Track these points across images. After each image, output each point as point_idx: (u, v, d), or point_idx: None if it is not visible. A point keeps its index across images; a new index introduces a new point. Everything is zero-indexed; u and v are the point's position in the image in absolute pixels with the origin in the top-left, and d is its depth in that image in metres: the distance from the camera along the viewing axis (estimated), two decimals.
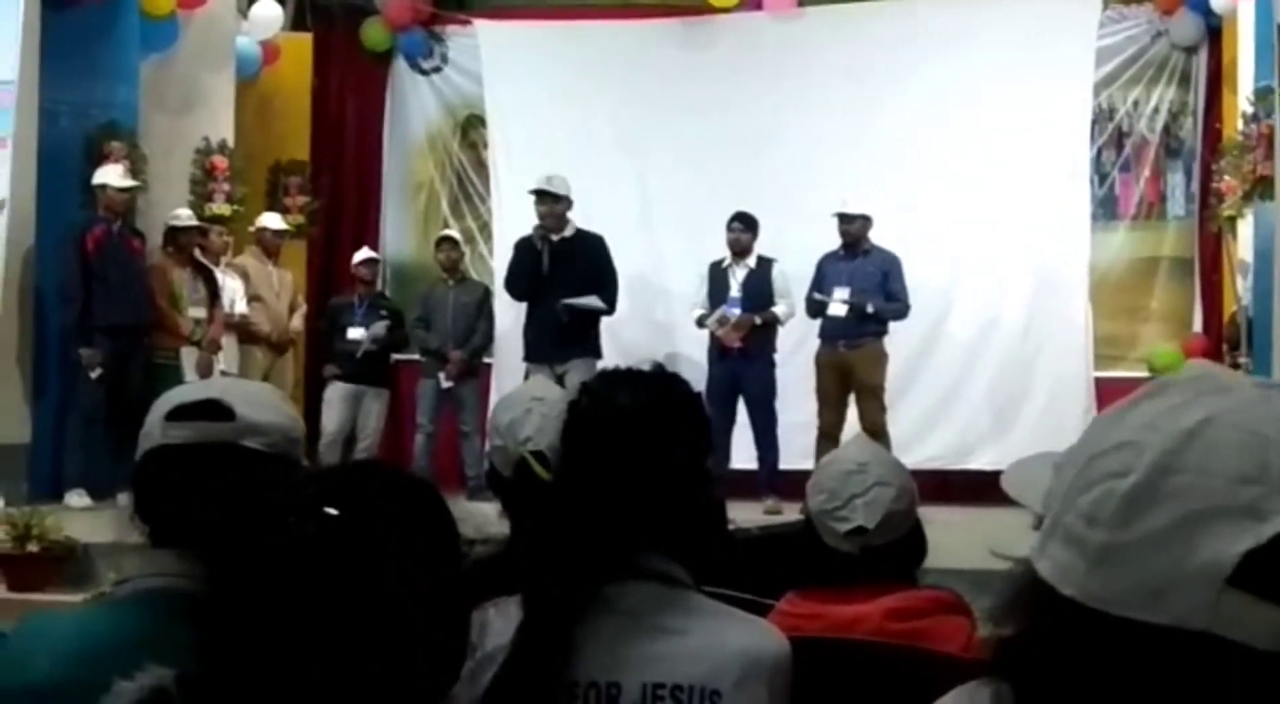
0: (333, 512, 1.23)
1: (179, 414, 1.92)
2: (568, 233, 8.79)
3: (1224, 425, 0.87)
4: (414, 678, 1.25)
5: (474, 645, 1.80)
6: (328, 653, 1.20)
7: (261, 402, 1.98)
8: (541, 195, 8.72)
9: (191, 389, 2.02)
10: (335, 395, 10.07)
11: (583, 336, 8.68)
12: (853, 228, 9.07)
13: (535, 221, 9.01)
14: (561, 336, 8.62)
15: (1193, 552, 0.84)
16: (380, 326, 10.10)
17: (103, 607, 1.97)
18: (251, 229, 10.05)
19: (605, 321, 9.07)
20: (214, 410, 1.91)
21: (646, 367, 2.09)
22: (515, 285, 9.12)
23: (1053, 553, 0.92)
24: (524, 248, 8.94)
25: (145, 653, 1.30)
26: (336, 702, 1.21)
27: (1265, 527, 0.83)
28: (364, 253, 10.44)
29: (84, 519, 7.36)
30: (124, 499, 7.59)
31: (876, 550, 2.55)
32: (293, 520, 1.24)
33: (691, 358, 8.98)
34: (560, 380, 7.59)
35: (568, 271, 8.64)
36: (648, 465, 1.94)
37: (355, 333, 10.09)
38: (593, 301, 8.76)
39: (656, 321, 10.31)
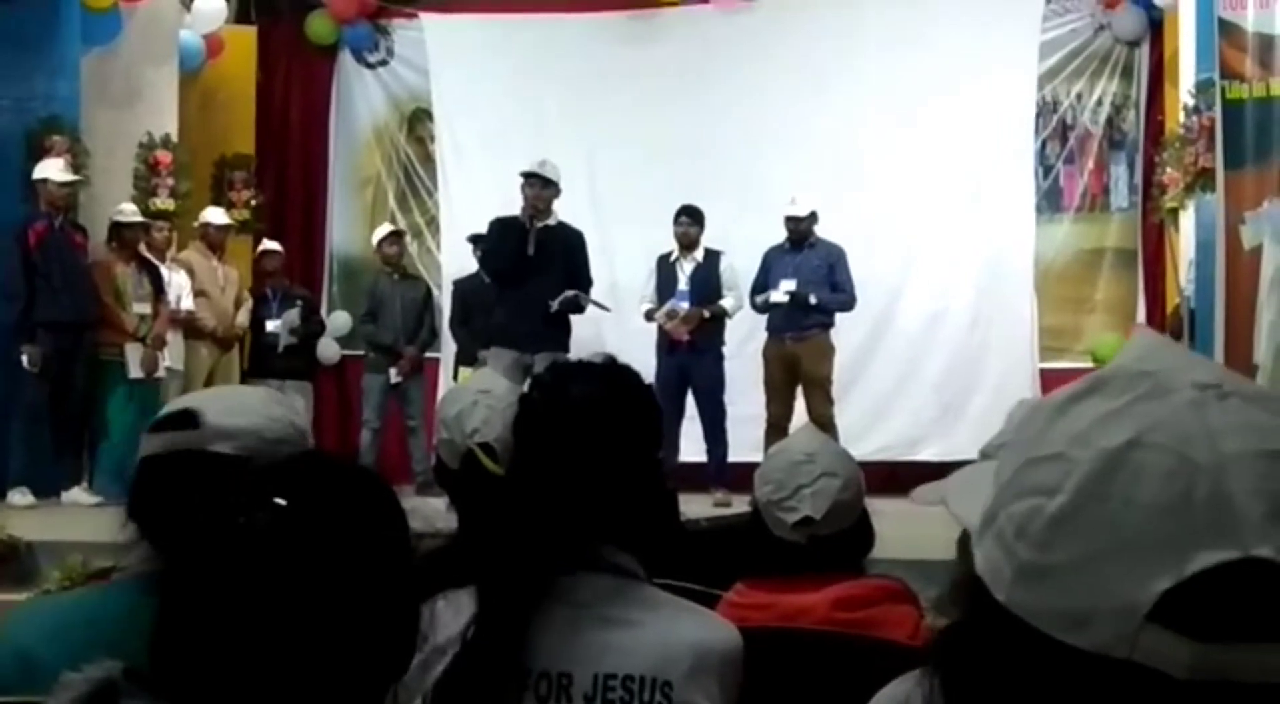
0: (281, 502, 1.23)
1: (156, 426, 2.03)
2: (551, 221, 8.63)
3: (1150, 448, 0.85)
4: (363, 667, 1.25)
5: (424, 637, 1.81)
6: (277, 643, 1.20)
7: (232, 407, 2.04)
8: (531, 178, 8.58)
9: (178, 400, 2.14)
10: None
11: (560, 329, 8.53)
12: (800, 226, 9.12)
13: (481, 215, 8.97)
14: (543, 324, 8.42)
15: (1114, 586, 0.84)
16: (292, 314, 10.03)
17: (103, 588, 2.05)
18: (196, 224, 9.96)
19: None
20: (181, 420, 2.00)
21: (597, 359, 2.09)
22: (495, 261, 8.84)
23: (987, 550, 0.92)
24: (509, 227, 8.67)
25: (136, 632, 1.30)
26: (285, 691, 1.21)
27: (1186, 565, 0.82)
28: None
29: (27, 517, 7.30)
30: (69, 497, 7.58)
31: (824, 540, 2.56)
32: (241, 511, 1.24)
33: (632, 353, 8.95)
34: (527, 370, 7.48)
35: (551, 260, 8.49)
36: (600, 457, 1.94)
37: (272, 326, 10.03)
38: (599, 303, 8.69)
39: (605, 314, 10.29)
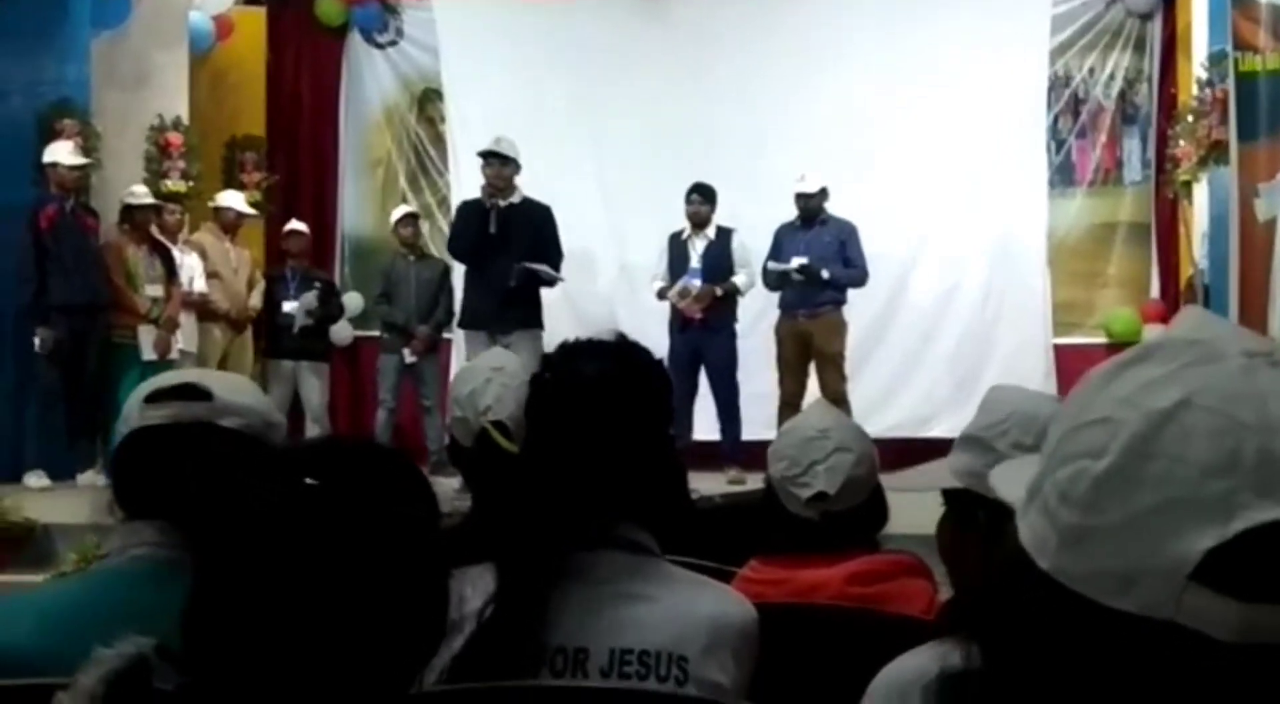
0: (312, 482, 1.24)
1: (157, 397, 1.98)
2: (515, 199, 8.63)
3: (1200, 408, 0.85)
4: (395, 646, 1.25)
5: None
6: (309, 622, 1.21)
7: (237, 386, 2.05)
8: (489, 156, 8.60)
9: (168, 376, 2.09)
10: (271, 373, 10.02)
11: (527, 306, 8.52)
12: (811, 203, 9.11)
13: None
14: (506, 303, 8.42)
15: (1159, 544, 0.83)
16: (310, 297, 10.01)
17: (86, 576, 2.02)
18: (211, 204, 9.96)
19: (565, 294, 9.01)
20: (191, 392, 1.97)
21: (608, 336, 2.09)
22: (460, 246, 8.93)
23: (1032, 520, 0.92)
24: (471, 209, 8.76)
25: (127, 620, 1.31)
26: (318, 670, 1.21)
27: (1231, 523, 0.82)
28: (290, 225, 10.37)
29: (43, 500, 7.33)
30: (83, 479, 7.59)
31: (837, 516, 2.56)
32: (273, 491, 1.25)
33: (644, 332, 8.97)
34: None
35: (514, 237, 8.47)
36: (613, 434, 1.95)
37: (289, 307, 10.03)
38: (549, 270, 8.62)
39: (616, 294, 10.30)
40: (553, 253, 8.70)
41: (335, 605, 1.21)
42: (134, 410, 1.99)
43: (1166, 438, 0.85)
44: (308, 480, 1.24)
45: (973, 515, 2.02)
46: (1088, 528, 0.87)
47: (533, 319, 8.51)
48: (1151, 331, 10.09)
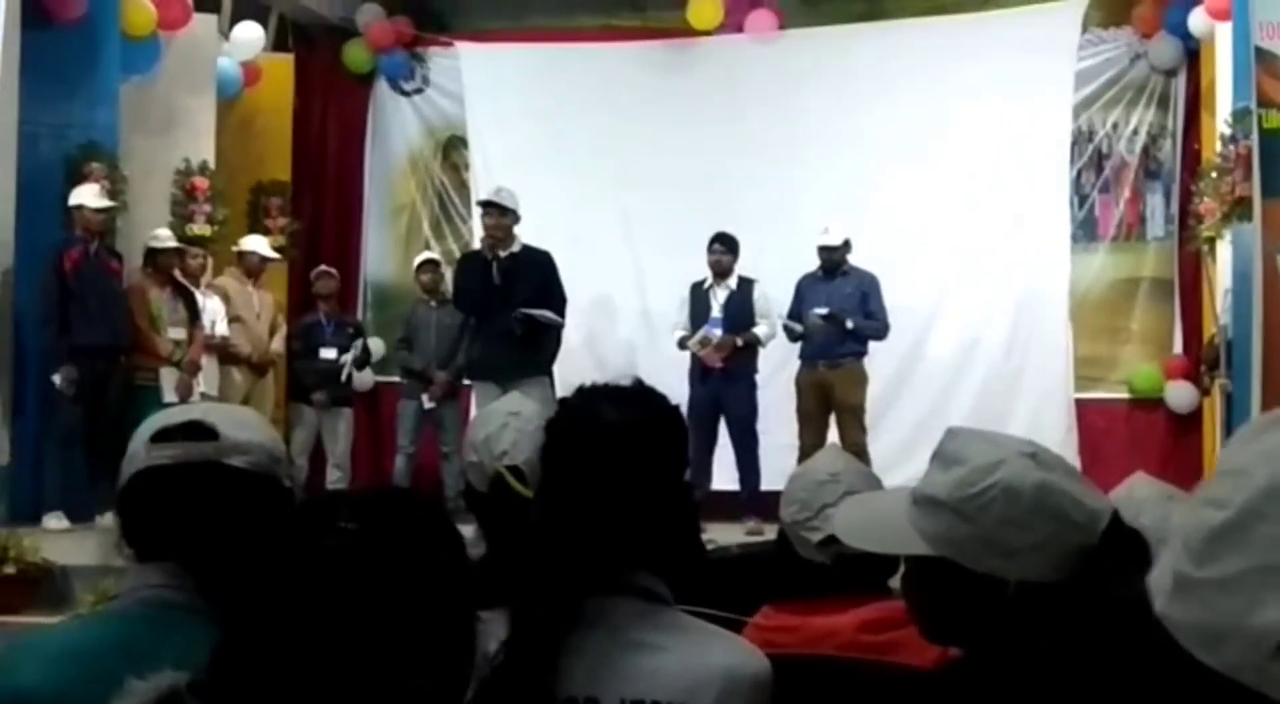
0: (350, 527, 1.26)
1: (163, 436, 1.95)
2: (515, 248, 8.61)
3: None
4: (425, 691, 1.26)
5: None
6: (340, 666, 1.22)
7: (243, 422, 2.01)
8: (488, 206, 8.63)
9: (173, 413, 2.06)
10: (295, 418, 10.05)
11: (535, 354, 8.49)
12: (834, 255, 9.12)
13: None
14: (512, 353, 8.39)
15: (1256, 608, 0.82)
16: (359, 344, 10.15)
17: (94, 618, 2.00)
18: (235, 249, 10.02)
19: (586, 340, 9.00)
20: (198, 431, 1.94)
21: (625, 381, 2.08)
22: (465, 298, 8.91)
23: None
24: (473, 260, 8.79)
25: (135, 661, 1.30)
26: None
27: None
28: (320, 268, 10.43)
29: (62, 541, 7.32)
30: (102, 522, 7.59)
31: (849, 561, 2.52)
32: (311, 535, 1.27)
33: (664, 381, 8.95)
34: None
35: (516, 287, 8.47)
36: (632, 480, 1.93)
37: (328, 353, 10.06)
38: (551, 316, 8.58)
39: (636, 340, 10.30)
40: (555, 299, 8.68)
41: (364, 650, 1.22)
42: (140, 449, 1.97)
43: None
44: (344, 525, 1.26)
45: (954, 584, 1.84)
46: (1194, 579, 0.86)
47: (540, 367, 8.47)
48: (1174, 388, 10.04)
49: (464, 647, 1.31)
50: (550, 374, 8.52)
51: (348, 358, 10.05)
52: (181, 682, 1.24)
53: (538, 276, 8.58)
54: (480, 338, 8.73)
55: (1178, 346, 10.31)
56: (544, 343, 8.61)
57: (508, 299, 8.43)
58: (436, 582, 1.27)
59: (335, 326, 10.20)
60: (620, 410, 1.99)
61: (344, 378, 10.04)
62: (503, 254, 8.53)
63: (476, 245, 10.91)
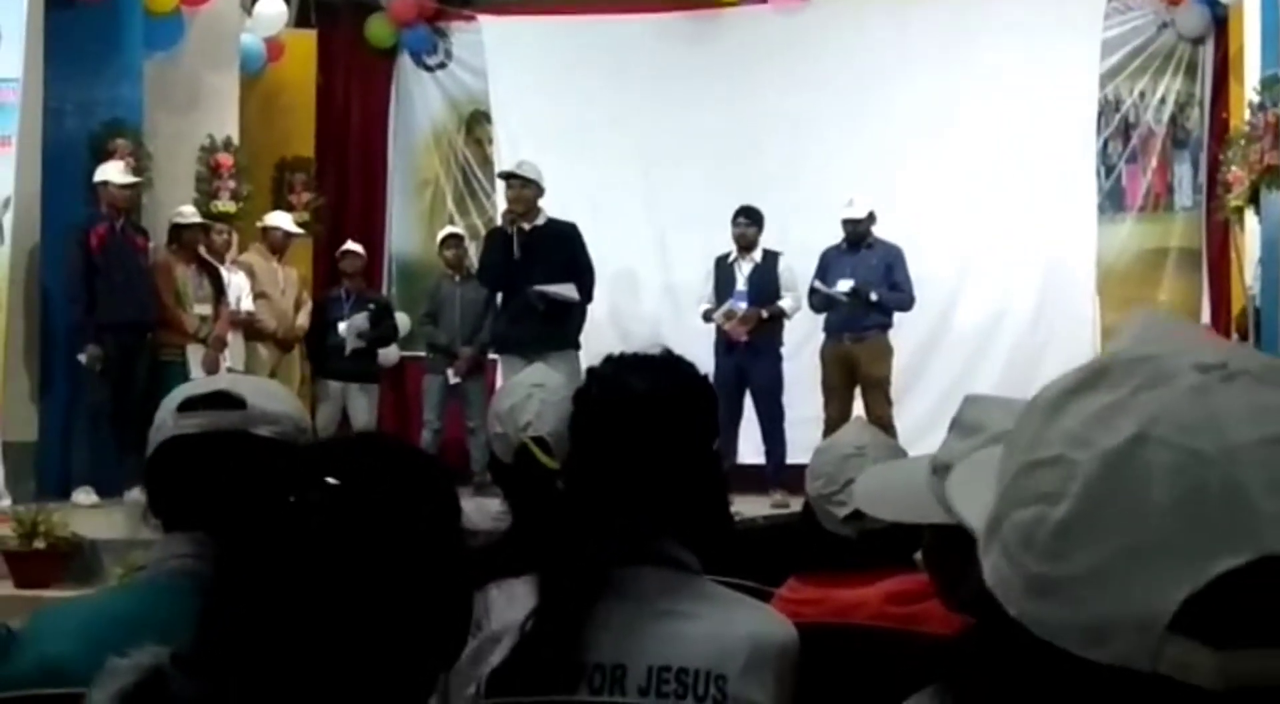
0: (334, 481, 1.21)
1: (190, 405, 1.97)
2: (539, 221, 8.56)
3: (1155, 442, 0.79)
4: (413, 651, 1.22)
5: (477, 625, 1.83)
6: (327, 624, 1.18)
7: (269, 392, 2.04)
8: (509, 178, 8.57)
9: (199, 383, 2.09)
10: (320, 393, 10.06)
11: (560, 328, 8.42)
12: (858, 228, 9.09)
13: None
14: (537, 327, 8.34)
15: (1130, 596, 0.78)
16: (359, 318, 10.04)
17: (121, 589, 2.01)
18: (259, 225, 10.04)
19: (609, 314, 8.99)
20: (224, 400, 1.96)
21: (654, 351, 2.08)
22: (486, 274, 8.91)
23: (995, 561, 0.87)
24: (495, 235, 8.76)
25: (161, 632, 1.29)
26: (335, 674, 1.18)
27: (1204, 570, 0.77)
28: (345, 246, 10.42)
29: (91, 516, 7.38)
30: (131, 496, 7.64)
31: (875, 534, 2.53)
32: (294, 490, 1.22)
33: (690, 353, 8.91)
34: None
35: (540, 260, 8.41)
36: (663, 449, 1.93)
37: (341, 328, 10.07)
38: (566, 290, 8.51)
39: (661, 314, 10.29)
40: (582, 271, 8.62)
41: (352, 608, 1.18)
42: (167, 418, 1.98)
43: (1125, 480, 0.79)
44: (329, 479, 1.21)
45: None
46: (1054, 578, 0.82)
47: (567, 340, 8.43)
48: None
49: (456, 609, 1.27)
50: (578, 346, 8.50)
51: (343, 328, 10.00)
52: (164, 657, 1.22)
53: (561, 250, 8.53)
54: (505, 312, 8.72)
55: (1206, 317, 10.22)
56: (570, 316, 8.58)
57: (528, 273, 8.40)
58: (425, 540, 1.23)
59: (355, 302, 10.18)
60: (650, 379, 2.00)
61: (347, 352, 10.01)
62: (526, 227, 8.50)
63: (500, 219, 10.96)
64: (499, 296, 8.97)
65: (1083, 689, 0.81)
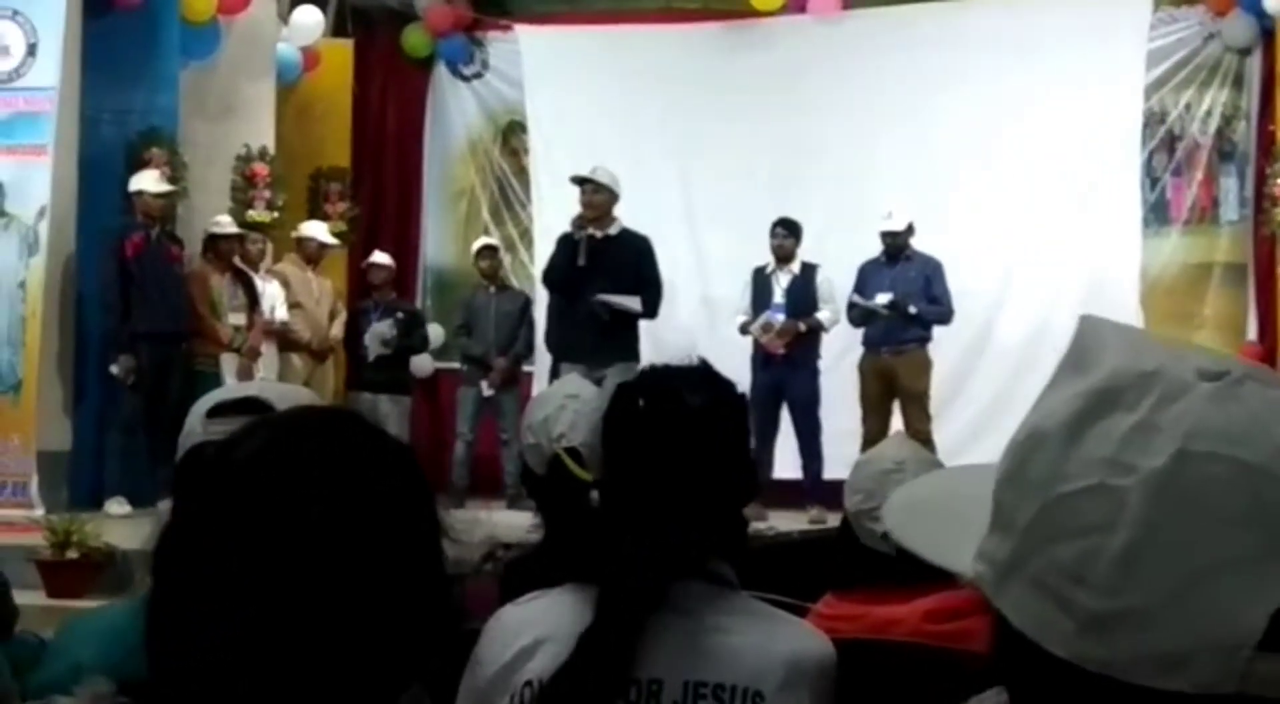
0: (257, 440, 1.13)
1: (219, 411, 2.00)
2: (612, 230, 8.47)
3: (1201, 457, 0.77)
4: (384, 647, 1.10)
5: (513, 636, 1.86)
6: (288, 615, 1.07)
7: (298, 399, 2.02)
8: (582, 183, 8.49)
9: (229, 390, 2.14)
10: (352, 404, 10.01)
11: (622, 338, 8.34)
12: (897, 240, 9.04)
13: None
14: (599, 336, 8.24)
15: (1209, 616, 0.76)
16: (382, 327, 10.02)
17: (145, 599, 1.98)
18: (294, 234, 10.04)
19: (646, 325, 8.91)
20: (254, 406, 1.95)
21: (692, 362, 2.05)
22: (550, 277, 8.81)
23: (1020, 600, 0.83)
24: (564, 240, 8.64)
25: None
26: (298, 672, 1.07)
27: None
28: (373, 257, 10.40)
29: (124, 526, 7.36)
30: (164, 506, 7.64)
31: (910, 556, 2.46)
32: (249, 476, 1.11)
33: (726, 366, 8.84)
34: (598, 383, 7.32)
35: (607, 269, 8.32)
36: (703, 463, 1.90)
37: (366, 336, 10.04)
38: (630, 302, 8.42)
39: (697, 326, 10.23)
40: (648, 286, 8.52)
41: (317, 595, 1.07)
42: (196, 425, 2.01)
43: (1181, 499, 0.77)
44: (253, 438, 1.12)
45: None
46: (1120, 612, 0.78)
47: (629, 352, 8.31)
48: None
49: (432, 601, 1.14)
50: (638, 358, 8.40)
51: (368, 337, 9.95)
52: (108, 690, 1.15)
53: (630, 261, 8.43)
54: (564, 319, 8.60)
55: (1252, 333, 10.10)
56: (632, 327, 8.49)
57: (593, 281, 8.31)
58: (393, 523, 1.11)
59: (384, 312, 10.14)
60: (686, 393, 1.96)
61: (370, 359, 9.98)
62: (597, 234, 8.40)
63: (537, 231, 10.92)
64: (551, 301, 8.86)
65: None
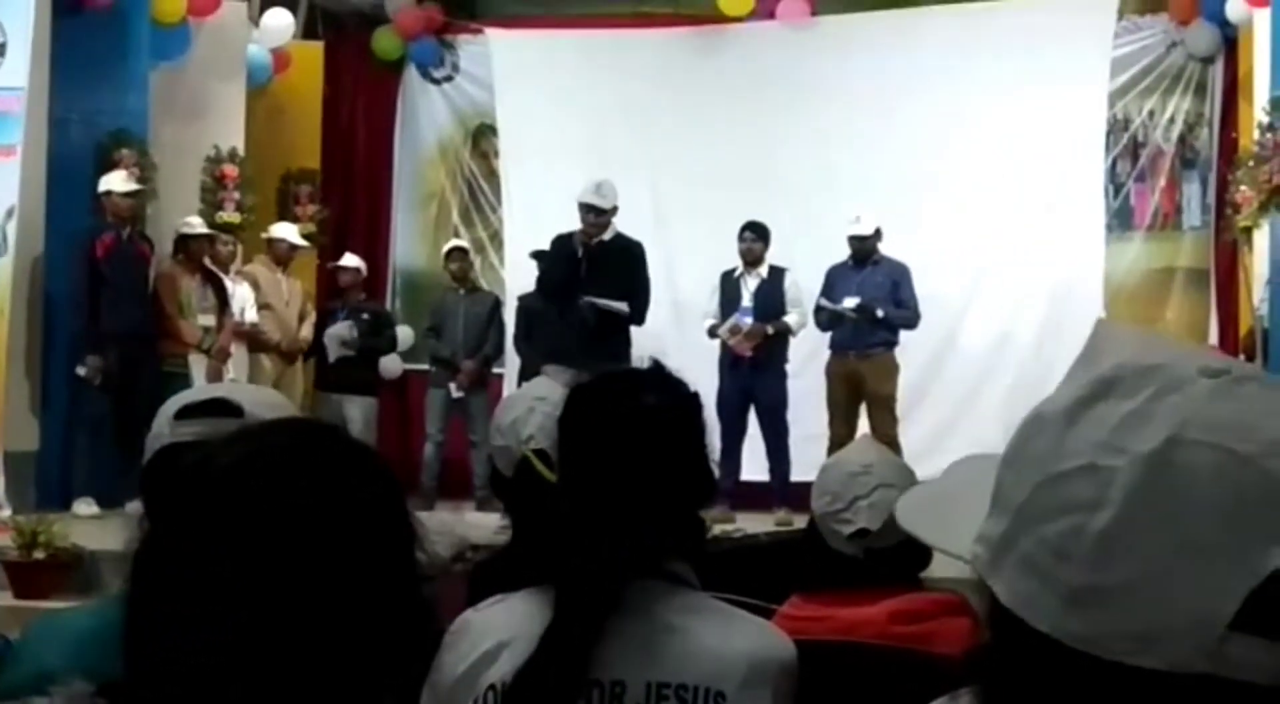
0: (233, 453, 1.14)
1: (187, 413, 1.96)
2: (607, 236, 8.41)
3: (1192, 445, 0.80)
4: (359, 651, 1.13)
5: (479, 638, 1.87)
6: (262, 619, 1.09)
7: (267, 401, 2.02)
8: (588, 208, 8.36)
9: (197, 391, 2.10)
10: (319, 405, 10.00)
11: (614, 341, 8.27)
12: (865, 245, 9.06)
13: (544, 231, 8.93)
14: (591, 340, 8.18)
15: (1186, 597, 0.78)
16: (342, 327, 9.99)
17: (118, 600, 1.97)
18: (264, 236, 10.02)
19: None
20: (222, 408, 1.94)
21: (645, 365, 2.07)
22: (549, 284, 8.70)
23: (1010, 578, 0.86)
24: (564, 247, 8.54)
25: None
26: (272, 676, 1.10)
27: (1261, 562, 0.77)
28: (343, 259, 10.37)
29: (91, 527, 7.34)
30: (132, 507, 7.61)
31: (880, 553, 2.53)
32: (223, 485, 1.13)
33: (694, 369, 8.86)
34: None
35: (602, 276, 8.31)
36: (658, 465, 1.91)
37: (326, 336, 10.03)
38: (617, 305, 8.38)
39: (666, 330, 10.25)
40: (639, 291, 8.49)
41: (289, 601, 1.09)
42: (164, 426, 1.97)
43: (1167, 482, 0.80)
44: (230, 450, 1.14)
45: None
46: (1100, 588, 0.81)
47: (621, 354, 8.28)
48: None
49: (404, 604, 1.16)
50: (630, 361, 8.38)
51: (327, 337, 9.92)
52: (86, 693, 1.16)
53: (624, 267, 8.43)
54: (557, 323, 8.54)
55: (1213, 337, 10.19)
56: (622, 330, 8.48)
57: (589, 287, 8.29)
58: (365, 528, 1.13)
59: (349, 313, 10.13)
60: (640, 394, 1.98)
61: (330, 359, 9.97)
62: (594, 242, 8.37)
63: (507, 233, 10.92)
64: (555, 308, 8.78)
65: (1126, 698, 0.81)
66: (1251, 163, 8.70)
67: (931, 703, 1.15)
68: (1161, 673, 0.79)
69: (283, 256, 9.97)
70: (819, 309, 9.09)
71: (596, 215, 8.32)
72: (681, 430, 1.96)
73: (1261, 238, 8.78)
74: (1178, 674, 0.79)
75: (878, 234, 9.10)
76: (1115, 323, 0.94)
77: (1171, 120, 10.49)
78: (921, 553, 2.63)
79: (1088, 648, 0.81)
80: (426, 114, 11.73)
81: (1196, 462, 0.80)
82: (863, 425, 8.93)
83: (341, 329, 9.96)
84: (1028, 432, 0.89)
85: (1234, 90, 10.10)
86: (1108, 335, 0.93)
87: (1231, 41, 10.08)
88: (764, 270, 9.21)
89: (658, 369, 2.04)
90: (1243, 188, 8.87)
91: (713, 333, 9.18)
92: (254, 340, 9.63)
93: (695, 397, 2.03)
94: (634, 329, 8.57)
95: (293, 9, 10.88)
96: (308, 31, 11.34)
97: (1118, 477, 0.81)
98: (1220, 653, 0.78)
